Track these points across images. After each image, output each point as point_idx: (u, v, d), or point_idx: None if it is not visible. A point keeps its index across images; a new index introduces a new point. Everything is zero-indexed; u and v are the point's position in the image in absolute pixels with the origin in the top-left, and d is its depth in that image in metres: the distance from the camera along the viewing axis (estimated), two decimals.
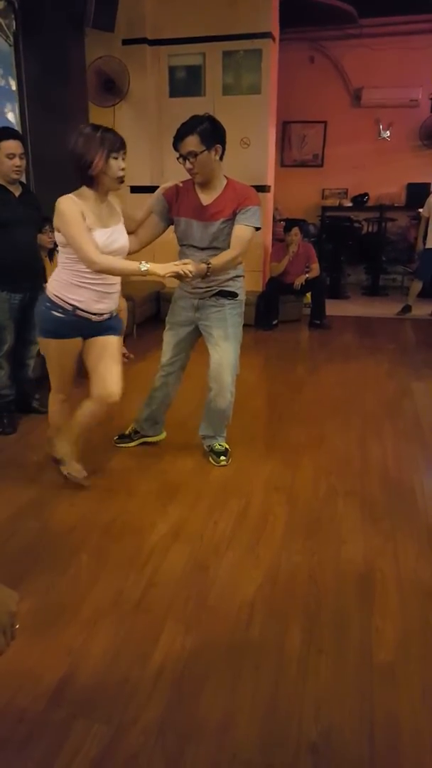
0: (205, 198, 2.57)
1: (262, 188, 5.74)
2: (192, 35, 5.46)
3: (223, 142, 2.50)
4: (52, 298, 2.40)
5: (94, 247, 2.25)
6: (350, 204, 7.69)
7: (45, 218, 3.80)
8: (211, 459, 2.93)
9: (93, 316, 2.42)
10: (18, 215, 3.13)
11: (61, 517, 2.46)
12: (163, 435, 3.16)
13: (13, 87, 4.37)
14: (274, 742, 1.47)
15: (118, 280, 2.44)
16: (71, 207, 2.26)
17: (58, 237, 2.36)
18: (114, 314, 2.54)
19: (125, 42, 5.48)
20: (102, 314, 2.44)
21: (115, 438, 3.11)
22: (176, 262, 2.36)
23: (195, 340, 2.88)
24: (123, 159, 2.27)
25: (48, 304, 2.41)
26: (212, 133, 2.45)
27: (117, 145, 2.25)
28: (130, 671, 1.68)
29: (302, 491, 2.67)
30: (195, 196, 2.58)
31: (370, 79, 7.30)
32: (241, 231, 2.53)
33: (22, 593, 1.99)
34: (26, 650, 1.74)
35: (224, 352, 2.74)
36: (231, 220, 2.55)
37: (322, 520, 2.44)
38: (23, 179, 3.21)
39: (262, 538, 2.31)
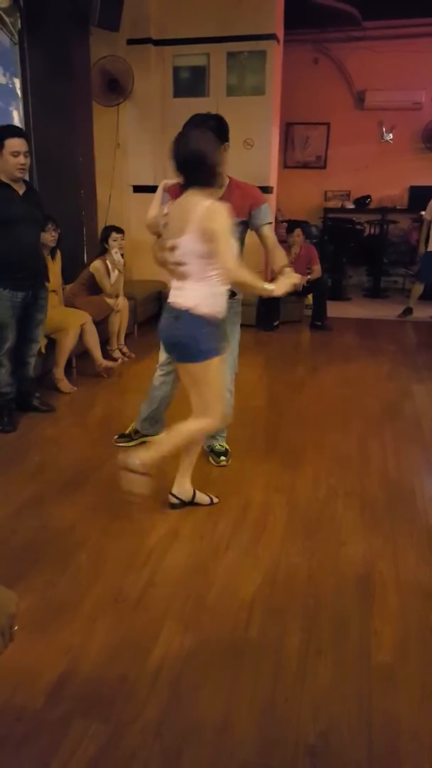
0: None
1: (264, 189, 5.74)
2: (196, 36, 5.47)
3: (228, 140, 2.54)
4: (210, 315, 2.20)
5: (234, 256, 2.15)
6: (352, 206, 7.69)
7: (48, 216, 3.82)
8: (211, 459, 2.93)
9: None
10: (22, 214, 3.13)
11: (61, 515, 2.46)
12: (159, 435, 3.16)
13: (18, 86, 4.38)
14: (273, 743, 1.47)
15: None
16: (228, 215, 2.10)
17: (203, 247, 2.11)
18: None
19: (130, 42, 5.48)
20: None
21: (115, 437, 3.11)
22: (286, 278, 2.29)
23: None
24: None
25: (210, 322, 2.21)
26: (219, 131, 2.47)
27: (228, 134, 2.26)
28: (129, 670, 1.68)
29: (302, 492, 2.67)
30: None
31: (374, 81, 7.31)
32: (268, 231, 2.65)
33: (21, 591, 2.00)
34: (25, 648, 1.74)
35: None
36: (242, 220, 2.58)
37: (321, 521, 2.44)
38: (26, 177, 3.20)
39: (261, 538, 2.31)
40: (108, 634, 1.81)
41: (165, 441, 2.40)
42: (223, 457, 2.91)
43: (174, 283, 2.28)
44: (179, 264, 2.20)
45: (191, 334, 2.22)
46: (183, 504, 2.51)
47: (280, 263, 2.52)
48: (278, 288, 2.25)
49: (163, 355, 2.87)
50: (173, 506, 2.51)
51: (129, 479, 2.26)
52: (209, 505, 2.54)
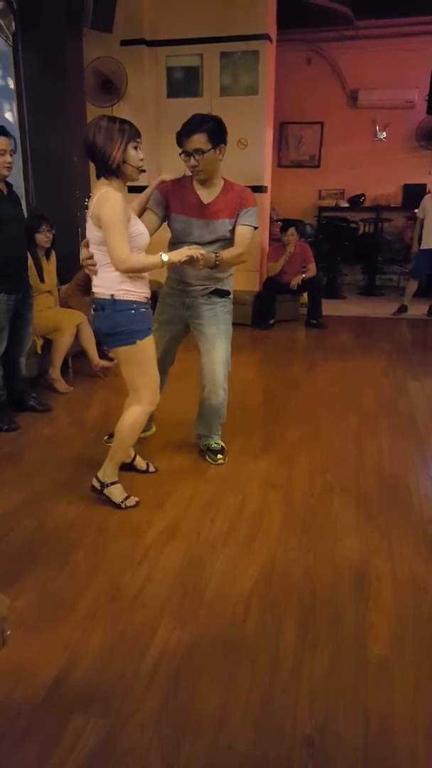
0: (206, 196, 2.60)
1: (259, 189, 5.76)
2: (190, 36, 5.49)
3: (226, 143, 2.56)
4: (133, 299, 2.33)
5: (127, 248, 2.21)
6: (347, 204, 7.72)
7: (42, 217, 3.82)
8: (207, 458, 2.94)
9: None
10: (8, 213, 3.12)
11: (58, 514, 2.47)
12: (153, 430, 3.17)
13: (12, 87, 4.38)
14: (270, 736, 1.48)
15: None
16: (121, 204, 2.19)
17: (97, 233, 2.25)
18: None
19: (123, 43, 5.50)
20: (149, 299, 2.45)
21: (105, 437, 3.11)
22: (188, 247, 2.35)
23: (182, 337, 2.90)
24: (141, 149, 2.27)
25: (134, 305, 2.33)
26: (218, 132, 2.51)
27: (135, 134, 2.24)
28: (127, 666, 1.69)
29: (298, 488, 2.69)
30: (194, 194, 2.60)
31: (367, 80, 7.34)
32: (244, 230, 2.60)
33: (19, 589, 2.02)
34: (24, 646, 1.75)
35: (216, 349, 2.76)
36: (234, 220, 2.61)
37: (317, 517, 2.46)
38: (12, 178, 3.19)
39: (258, 534, 2.33)
40: (106, 630, 1.82)
41: (113, 449, 2.55)
42: (219, 455, 2.92)
43: (94, 277, 2.37)
44: (88, 258, 2.33)
45: (116, 320, 2.34)
46: (123, 466, 2.65)
47: (224, 251, 2.52)
48: (176, 255, 2.32)
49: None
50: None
51: (110, 494, 2.52)
52: (146, 471, 2.78)
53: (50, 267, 3.99)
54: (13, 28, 4.28)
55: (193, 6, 5.41)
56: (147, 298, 2.40)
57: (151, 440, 3.15)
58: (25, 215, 3.70)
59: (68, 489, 2.67)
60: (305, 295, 5.94)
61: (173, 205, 2.61)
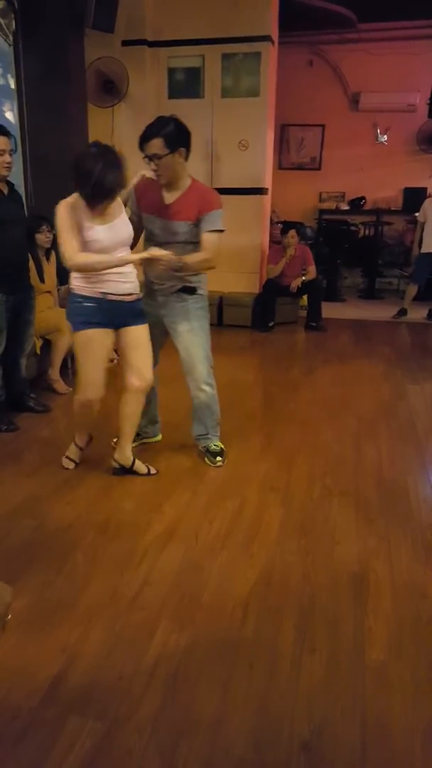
0: (168, 197, 2.61)
1: (259, 191, 5.77)
2: (192, 37, 5.49)
3: (187, 145, 2.52)
4: (82, 292, 2.50)
5: (74, 246, 2.36)
6: (347, 207, 7.73)
7: (42, 217, 3.82)
8: (207, 460, 2.94)
9: (125, 297, 2.52)
10: (9, 213, 3.12)
11: (57, 515, 2.47)
12: (159, 437, 3.18)
13: (12, 86, 4.38)
14: (267, 739, 1.48)
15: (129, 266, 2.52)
16: (67, 206, 2.38)
17: None
18: (138, 298, 2.62)
19: (125, 43, 5.50)
20: (131, 294, 2.54)
21: (114, 440, 3.11)
22: (151, 248, 2.47)
23: (164, 338, 2.90)
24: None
25: (79, 299, 2.52)
26: (176, 136, 2.48)
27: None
28: (125, 668, 1.69)
29: (297, 492, 2.68)
30: (159, 194, 2.62)
31: (368, 83, 7.35)
32: (209, 237, 2.56)
33: (17, 591, 2.01)
34: (21, 647, 1.75)
35: (192, 345, 2.76)
36: (195, 224, 2.58)
37: (316, 521, 2.45)
38: (12, 179, 3.19)
39: (256, 537, 2.33)
40: (104, 632, 1.82)
41: (76, 433, 2.86)
42: (219, 458, 2.92)
43: None
44: None
45: (69, 308, 2.59)
46: (123, 470, 2.77)
47: (188, 256, 2.55)
48: (133, 255, 2.43)
49: None
50: (114, 471, 2.78)
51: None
52: (147, 474, 2.79)
53: (50, 267, 3.99)
54: (14, 27, 4.27)
55: (195, 7, 5.41)
56: (102, 293, 2.49)
57: (150, 442, 3.15)
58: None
59: (67, 490, 2.67)
60: (305, 297, 5.94)
61: (143, 204, 2.65)
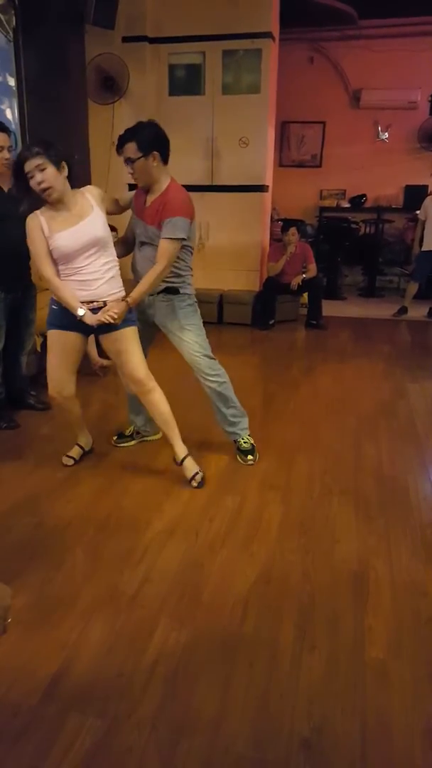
0: (148, 199, 2.63)
1: (260, 188, 5.76)
2: (192, 34, 5.47)
3: (162, 149, 2.51)
4: (55, 297, 2.58)
5: (49, 266, 2.46)
6: (348, 205, 7.72)
7: None
8: (238, 458, 2.94)
9: (93, 305, 2.51)
10: (9, 211, 3.10)
11: (56, 512, 2.47)
12: (159, 435, 3.18)
13: (12, 83, 4.37)
14: (267, 737, 1.48)
15: (99, 267, 2.50)
16: (30, 225, 2.46)
17: None
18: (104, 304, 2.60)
19: (125, 39, 5.48)
20: (92, 302, 2.51)
21: (114, 438, 3.12)
22: (102, 311, 2.48)
23: (153, 337, 2.92)
24: (40, 172, 2.31)
25: (53, 304, 2.61)
26: (151, 140, 2.47)
27: (20, 165, 2.34)
28: (125, 666, 1.69)
29: (297, 490, 2.69)
30: (143, 195, 2.65)
31: (370, 80, 7.33)
32: (163, 245, 2.52)
33: (17, 588, 2.01)
34: (21, 645, 1.75)
35: (185, 341, 2.78)
36: (158, 229, 2.55)
37: (316, 519, 2.46)
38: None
39: (256, 536, 2.33)
40: (104, 630, 1.82)
41: (77, 433, 2.93)
42: (250, 456, 2.91)
43: None
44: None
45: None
46: (177, 463, 2.74)
47: (136, 288, 2.58)
48: (90, 318, 2.48)
49: None
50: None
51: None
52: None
53: None
54: (14, 23, 4.26)
55: (196, 3, 5.40)
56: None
57: (150, 440, 3.15)
58: None
59: (67, 488, 2.67)
60: (305, 295, 5.93)
61: (133, 206, 2.70)
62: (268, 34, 5.37)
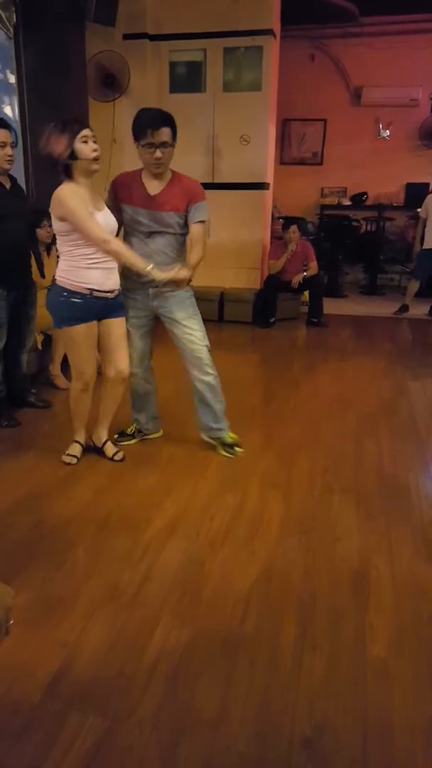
0: (152, 188, 2.64)
1: (261, 186, 5.75)
2: (193, 31, 5.46)
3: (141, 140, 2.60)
4: (68, 287, 2.56)
5: (103, 228, 2.46)
6: (349, 203, 7.70)
7: (42, 212, 3.80)
8: (225, 452, 2.95)
9: (108, 294, 2.60)
10: (10, 208, 3.10)
11: (57, 511, 2.47)
12: (161, 432, 3.18)
13: (13, 80, 4.36)
14: (268, 736, 1.48)
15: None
16: (74, 192, 2.43)
17: (58, 226, 2.51)
18: (120, 292, 2.71)
19: (126, 37, 5.47)
20: (114, 290, 2.63)
21: (115, 436, 3.11)
22: (175, 270, 2.56)
23: (153, 330, 2.95)
24: (93, 141, 2.43)
25: (65, 293, 2.57)
26: (176, 129, 2.59)
27: (78, 129, 2.40)
28: (125, 664, 1.68)
29: (298, 488, 2.68)
30: (141, 186, 2.65)
31: (371, 77, 7.31)
32: (199, 229, 2.67)
33: (18, 587, 2.01)
34: (21, 643, 1.75)
35: (192, 330, 2.80)
36: (184, 213, 2.66)
37: (317, 517, 2.45)
38: (13, 173, 3.17)
39: (257, 534, 2.32)
40: (104, 629, 1.82)
41: (72, 416, 2.91)
42: (237, 448, 2.96)
43: None
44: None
45: (50, 302, 2.66)
46: (91, 448, 2.91)
47: (190, 260, 2.68)
48: (161, 274, 2.52)
49: (134, 360, 2.89)
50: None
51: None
52: (111, 459, 2.88)
53: (51, 262, 3.97)
54: (14, 20, 4.25)
55: (197, 1, 5.38)
56: (88, 289, 2.55)
57: (151, 438, 3.15)
58: None
59: (68, 486, 2.67)
60: (306, 293, 5.92)
61: (121, 196, 2.69)
62: (269, 32, 5.36)
